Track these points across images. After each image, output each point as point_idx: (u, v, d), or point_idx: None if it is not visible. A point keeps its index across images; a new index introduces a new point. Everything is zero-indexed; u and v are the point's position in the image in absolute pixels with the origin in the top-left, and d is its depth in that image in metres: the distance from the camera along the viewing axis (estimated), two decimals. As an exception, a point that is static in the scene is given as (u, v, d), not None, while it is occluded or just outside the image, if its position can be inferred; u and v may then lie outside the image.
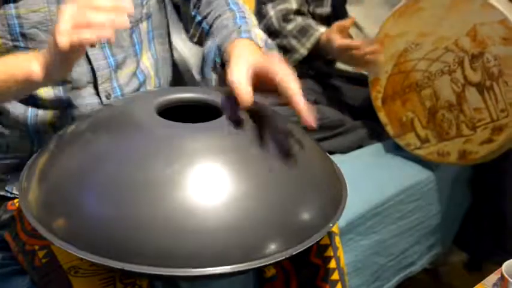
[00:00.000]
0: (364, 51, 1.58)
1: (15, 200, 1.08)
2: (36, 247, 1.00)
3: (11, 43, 1.01)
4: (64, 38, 0.81)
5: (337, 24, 1.65)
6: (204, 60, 1.11)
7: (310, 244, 0.82)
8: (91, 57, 1.07)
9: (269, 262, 0.78)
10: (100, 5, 0.82)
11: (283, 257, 0.79)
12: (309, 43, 1.73)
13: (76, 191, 0.82)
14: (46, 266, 0.97)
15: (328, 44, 1.67)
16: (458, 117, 1.54)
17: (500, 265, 1.13)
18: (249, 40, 1.01)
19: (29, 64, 0.90)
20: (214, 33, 1.09)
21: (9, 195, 1.09)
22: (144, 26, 1.15)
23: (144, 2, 1.13)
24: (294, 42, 1.75)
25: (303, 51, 1.75)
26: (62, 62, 0.87)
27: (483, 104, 1.50)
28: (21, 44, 1.01)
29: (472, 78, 1.49)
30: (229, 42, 1.01)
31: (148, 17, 1.16)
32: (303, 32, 1.74)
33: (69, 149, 0.89)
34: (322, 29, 1.73)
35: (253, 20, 1.11)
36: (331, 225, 0.86)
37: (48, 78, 0.91)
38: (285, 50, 1.77)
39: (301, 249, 0.81)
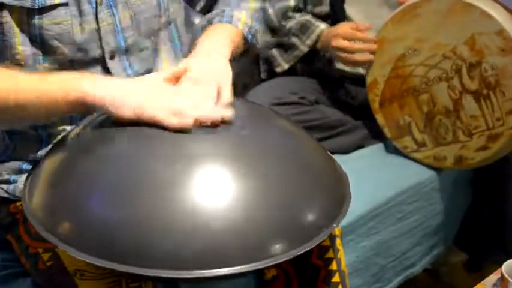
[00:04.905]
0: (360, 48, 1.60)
1: (18, 203, 1.07)
2: (40, 250, 1.00)
3: (29, 50, 0.99)
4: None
5: (352, 24, 1.65)
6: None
7: (315, 244, 0.82)
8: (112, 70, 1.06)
9: (273, 263, 0.79)
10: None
11: (287, 258, 0.79)
12: (310, 40, 1.73)
13: (80, 194, 0.82)
14: (51, 269, 0.97)
15: (327, 36, 1.67)
16: (455, 123, 1.54)
17: (500, 265, 1.13)
18: (228, 25, 1.09)
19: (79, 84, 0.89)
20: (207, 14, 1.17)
21: (12, 197, 1.08)
22: (163, 35, 1.13)
23: (162, 12, 1.10)
24: (294, 39, 1.75)
25: (303, 48, 1.74)
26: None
27: (479, 112, 1.51)
28: (40, 54, 1.00)
29: (470, 86, 1.50)
30: (209, 26, 1.09)
31: (169, 23, 1.14)
32: (304, 29, 1.74)
33: (73, 153, 0.89)
34: (323, 25, 1.73)
35: (249, 4, 1.17)
36: (335, 225, 0.86)
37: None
38: (285, 47, 1.77)
39: (306, 250, 0.81)
